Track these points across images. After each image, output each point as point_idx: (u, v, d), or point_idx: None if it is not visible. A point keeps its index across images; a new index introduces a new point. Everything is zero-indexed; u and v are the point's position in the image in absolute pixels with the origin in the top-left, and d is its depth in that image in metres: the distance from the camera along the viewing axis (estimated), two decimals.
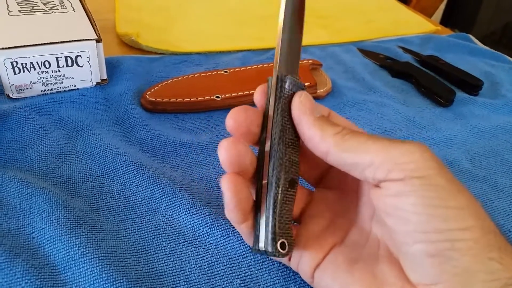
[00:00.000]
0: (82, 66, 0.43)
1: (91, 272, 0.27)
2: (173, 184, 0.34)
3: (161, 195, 0.34)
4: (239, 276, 0.29)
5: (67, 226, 0.30)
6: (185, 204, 0.33)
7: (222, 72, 0.49)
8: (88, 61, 0.43)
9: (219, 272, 0.29)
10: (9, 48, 0.39)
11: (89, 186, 0.35)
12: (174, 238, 0.31)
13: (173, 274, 0.29)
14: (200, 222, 0.32)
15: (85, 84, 0.45)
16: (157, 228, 0.32)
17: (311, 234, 0.28)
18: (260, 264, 0.30)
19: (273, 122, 0.27)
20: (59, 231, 0.30)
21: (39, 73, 0.42)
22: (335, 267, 0.26)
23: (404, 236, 0.23)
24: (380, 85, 0.53)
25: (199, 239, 0.31)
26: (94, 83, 0.45)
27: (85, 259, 0.28)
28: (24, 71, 0.41)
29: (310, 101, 0.27)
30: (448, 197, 0.22)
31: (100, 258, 0.28)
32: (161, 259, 0.30)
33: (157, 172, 0.35)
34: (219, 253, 0.30)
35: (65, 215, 0.31)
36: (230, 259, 0.30)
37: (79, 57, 0.42)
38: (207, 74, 0.48)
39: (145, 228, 0.32)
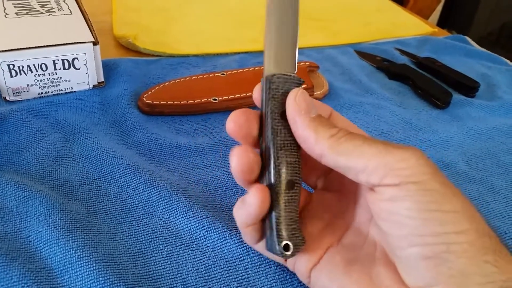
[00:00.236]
0: (79, 69, 0.43)
1: (88, 276, 0.27)
2: (170, 187, 0.34)
3: (158, 198, 0.34)
4: (236, 279, 0.29)
5: (63, 229, 0.30)
6: (182, 207, 0.33)
7: (219, 74, 0.49)
8: (85, 64, 0.43)
9: (216, 275, 0.29)
10: (5, 51, 0.39)
11: (86, 189, 0.35)
12: (171, 241, 0.31)
13: (170, 277, 0.29)
14: (197, 225, 0.32)
15: (82, 86, 0.45)
16: (154, 231, 0.32)
17: (308, 235, 0.28)
18: (257, 267, 0.30)
19: (265, 124, 0.27)
20: (55, 235, 0.30)
21: (36, 75, 0.42)
22: (332, 268, 0.26)
23: (399, 240, 0.23)
24: (377, 87, 0.53)
25: (196, 242, 0.31)
26: (91, 86, 0.45)
27: (82, 262, 0.28)
28: (21, 74, 0.41)
29: (306, 99, 0.26)
30: (443, 201, 0.22)
31: (97, 261, 0.28)
32: (158, 262, 0.30)
33: (154, 175, 0.35)
34: (216, 256, 0.30)
35: (61, 218, 0.31)
36: (227, 262, 0.30)
37: (76, 60, 0.42)
38: (204, 76, 0.48)
39: (142, 231, 0.32)
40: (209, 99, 0.45)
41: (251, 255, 0.30)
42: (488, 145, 0.45)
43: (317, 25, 0.69)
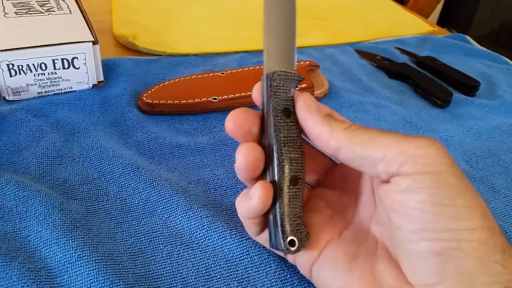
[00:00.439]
0: (78, 68, 0.43)
1: (87, 275, 0.27)
2: (170, 186, 0.34)
3: (157, 197, 0.34)
4: (236, 279, 0.29)
5: (63, 229, 0.30)
6: (182, 206, 0.33)
7: (219, 73, 0.49)
8: (85, 63, 0.43)
9: (216, 274, 0.29)
10: (5, 50, 0.39)
11: (86, 188, 0.35)
12: (171, 240, 0.31)
13: (170, 277, 0.29)
14: (197, 224, 0.32)
15: (82, 86, 0.45)
16: (154, 231, 0.32)
17: (308, 228, 0.28)
18: (257, 266, 0.30)
19: (267, 122, 0.27)
20: (55, 234, 0.30)
21: (35, 75, 0.42)
22: (334, 263, 0.26)
23: (409, 234, 0.23)
24: (377, 86, 0.53)
25: (196, 242, 0.31)
26: (91, 85, 0.45)
27: (81, 262, 0.28)
28: (20, 73, 0.41)
29: (314, 101, 0.26)
30: (458, 196, 0.22)
31: (96, 261, 0.28)
32: (158, 262, 0.30)
33: (154, 175, 0.35)
34: (216, 256, 0.30)
35: (61, 218, 0.31)
36: (227, 262, 0.30)
37: (75, 59, 0.42)
38: (204, 75, 0.48)
39: (142, 231, 0.32)
40: (209, 99, 0.45)
41: (251, 254, 0.30)
42: (488, 144, 0.45)
43: (317, 24, 0.69)
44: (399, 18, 0.76)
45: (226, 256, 0.30)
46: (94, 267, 0.28)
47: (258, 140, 0.28)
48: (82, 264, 0.28)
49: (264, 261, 0.30)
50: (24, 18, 0.45)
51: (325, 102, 0.49)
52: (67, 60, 0.42)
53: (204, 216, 0.32)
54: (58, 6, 0.48)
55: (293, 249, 0.26)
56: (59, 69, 0.42)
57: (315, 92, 0.49)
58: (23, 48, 0.40)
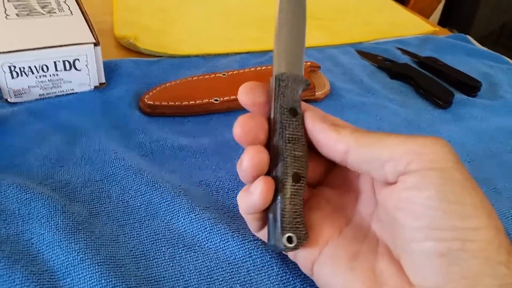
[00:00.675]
0: (80, 70, 0.43)
1: (90, 278, 0.27)
2: (172, 188, 0.34)
3: (160, 199, 0.34)
4: (239, 281, 0.29)
5: (66, 231, 0.30)
6: (184, 208, 0.33)
7: (221, 74, 0.49)
8: (86, 65, 0.43)
9: (219, 277, 0.29)
10: (6, 52, 0.39)
11: (88, 191, 0.35)
12: (173, 243, 0.31)
13: (173, 279, 0.29)
14: (199, 226, 0.32)
15: (83, 88, 0.45)
16: (156, 233, 0.32)
17: (309, 225, 0.28)
18: (260, 269, 0.30)
19: (273, 121, 0.27)
20: (58, 237, 0.30)
21: (37, 77, 0.42)
22: (335, 262, 0.26)
23: (413, 232, 0.23)
24: (378, 87, 0.53)
25: (198, 244, 0.31)
26: (92, 87, 0.45)
27: (84, 264, 0.28)
28: (22, 75, 0.41)
29: (319, 112, 0.28)
30: (464, 193, 0.22)
31: (99, 263, 0.28)
32: (160, 265, 0.30)
33: (156, 177, 0.35)
34: (218, 258, 0.30)
35: (64, 220, 0.31)
36: (230, 264, 0.30)
37: (77, 61, 0.42)
38: (206, 77, 0.48)
39: (144, 233, 0.32)
40: (210, 100, 0.45)
41: (254, 256, 0.30)
42: (490, 145, 0.45)
43: (318, 25, 0.68)
44: (400, 18, 0.76)
45: (228, 259, 0.30)
46: (96, 270, 0.28)
47: (264, 144, 0.28)
48: (84, 267, 0.28)
49: (267, 264, 0.30)
50: (25, 20, 0.45)
51: (327, 103, 0.49)
52: (69, 62, 0.42)
53: (206, 218, 0.32)
54: (59, 8, 0.48)
55: (290, 246, 0.26)
56: (61, 71, 0.42)
57: (316, 93, 0.49)
58: (24, 50, 0.40)
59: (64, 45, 0.41)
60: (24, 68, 0.40)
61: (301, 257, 0.28)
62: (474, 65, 0.61)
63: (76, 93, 0.45)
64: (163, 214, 0.33)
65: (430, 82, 0.53)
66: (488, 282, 0.21)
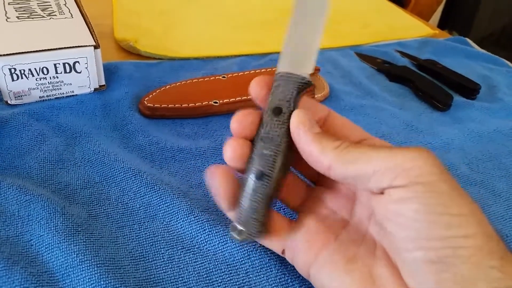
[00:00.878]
0: (80, 72, 0.43)
1: (89, 280, 0.27)
2: (171, 190, 0.35)
3: (159, 201, 0.34)
4: (237, 283, 0.29)
5: (65, 233, 0.30)
6: (183, 210, 0.33)
7: (220, 77, 0.49)
8: (86, 67, 0.43)
9: (217, 279, 0.29)
10: (7, 54, 0.39)
11: (87, 192, 0.35)
12: (172, 244, 0.31)
13: (171, 281, 0.29)
14: (198, 228, 0.32)
15: (83, 90, 0.45)
16: (155, 235, 0.32)
17: (306, 229, 0.28)
18: (258, 271, 0.30)
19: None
20: (57, 238, 0.30)
21: (37, 79, 0.42)
22: (332, 266, 0.26)
23: (404, 243, 0.23)
24: (377, 90, 0.53)
25: (197, 246, 0.31)
26: (92, 89, 0.45)
27: (83, 266, 0.28)
28: (22, 78, 0.41)
29: (308, 118, 0.27)
30: (451, 204, 0.22)
31: (98, 265, 0.28)
32: (159, 266, 0.30)
33: (155, 179, 0.36)
34: (217, 260, 0.30)
35: (63, 222, 0.31)
36: (228, 266, 0.30)
37: (77, 63, 0.43)
38: (205, 79, 0.48)
39: (143, 235, 0.32)
40: (210, 102, 0.45)
41: (252, 258, 0.30)
42: (489, 147, 0.45)
43: None
44: (400, 21, 0.76)
45: (227, 260, 0.30)
46: (96, 272, 0.28)
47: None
48: (84, 268, 0.28)
49: (265, 265, 0.30)
50: (26, 22, 0.45)
51: (326, 106, 0.49)
52: (69, 65, 0.42)
53: (205, 220, 0.32)
54: (60, 11, 0.48)
55: (238, 238, 0.27)
56: (61, 73, 0.42)
57: (315, 96, 0.49)
58: (25, 52, 0.40)
59: (64, 48, 0.41)
60: (24, 70, 0.41)
61: (298, 261, 0.28)
62: (473, 67, 0.61)
63: (76, 95, 0.45)
64: (162, 216, 0.33)
65: (429, 85, 0.54)
66: (482, 285, 0.21)
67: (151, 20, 0.65)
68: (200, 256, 0.31)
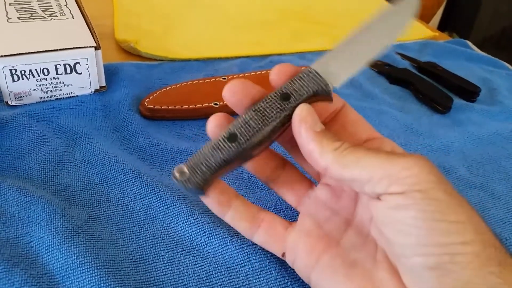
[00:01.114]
0: (80, 73, 0.43)
1: (89, 282, 0.27)
2: (171, 192, 0.35)
3: (159, 203, 0.34)
4: (237, 286, 0.29)
5: (65, 235, 0.30)
6: (183, 212, 0.33)
7: (221, 78, 0.49)
8: (87, 68, 0.43)
9: (217, 281, 0.29)
10: (8, 55, 0.39)
11: (88, 194, 0.35)
12: (172, 247, 0.31)
13: (171, 283, 0.29)
14: (198, 230, 0.32)
15: (84, 91, 0.45)
16: (155, 237, 0.32)
17: (307, 233, 0.28)
18: (258, 274, 0.30)
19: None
20: (57, 240, 0.30)
21: (37, 80, 0.42)
22: (332, 271, 0.26)
23: (403, 249, 0.23)
24: (377, 92, 0.53)
25: (197, 248, 0.31)
26: (93, 90, 0.45)
27: (83, 268, 0.28)
28: (22, 79, 0.41)
29: (311, 114, 0.26)
30: (448, 211, 0.22)
31: (98, 267, 0.28)
32: (159, 268, 0.30)
33: (155, 180, 0.36)
34: (217, 262, 0.30)
35: (63, 223, 0.31)
36: (228, 269, 0.30)
37: (77, 65, 0.43)
38: (206, 81, 0.48)
39: (143, 237, 0.32)
40: (210, 104, 0.45)
41: (252, 261, 0.30)
42: (489, 150, 0.45)
43: (317, 29, 0.69)
44: None
45: (227, 263, 0.30)
46: (96, 274, 0.28)
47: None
48: (84, 270, 0.28)
49: (265, 268, 0.30)
50: (26, 23, 0.45)
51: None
52: (70, 66, 0.42)
53: (205, 223, 0.32)
54: (61, 11, 0.48)
55: (176, 177, 0.27)
56: (62, 74, 0.42)
57: None
58: (25, 53, 0.40)
59: (65, 49, 0.41)
60: (25, 71, 0.41)
61: (299, 264, 0.28)
62: (473, 70, 0.61)
63: (77, 96, 0.45)
64: (162, 218, 0.33)
65: (429, 87, 0.54)
66: None
67: (151, 21, 0.65)
68: (200, 259, 0.31)
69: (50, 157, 0.37)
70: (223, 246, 0.31)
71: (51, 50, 0.41)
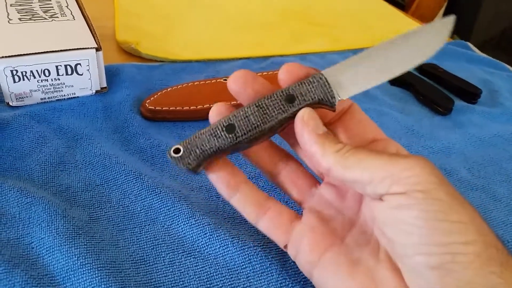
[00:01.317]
0: (81, 75, 0.43)
1: (90, 283, 0.27)
2: (172, 193, 0.34)
3: (160, 204, 0.34)
4: (238, 287, 0.29)
5: (66, 236, 0.30)
6: (184, 213, 0.33)
7: (222, 80, 0.49)
8: (88, 70, 0.43)
9: (218, 283, 0.29)
10: (9, 56, 0.39)
11: (88, 195, 0.35)
12: (173, 248, 0.31)
13: (172, 285, 0.29)
14: (199, 232, 0.32)
15: (85, 92, 0.45)
16: (156, 238, 0.32)
17: (311, 229, 0.28)
18: (259, 275, 0.30)
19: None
20: (58, 241, 0.30)
21: (38, 81, 0.42)
22: (335, 268, 0.26)
23: (405, 248, 0.23)
24: (378, 94, 0.53)
25: (198, 250, 0.31)
26: (94, 91, 0.45)
27: (84, 269, 0.28)
28: (24, 79, 0.41)
29: (313, 118, 0.27)
30: (451, 211, 0.22)
31: (99, 268, 0.28)
32: (160, 270, 0.30)
33: (156, 182, 0.36)
34: (218, 264, 0.30)
35: (64, 224, 0.31)
36: (229, 270, 0.30)
37: (78, 66, 0.43)
38: (207, 82, 0.48)
39: (144, 238, 0.32)
40: (211, 105, 0.44)
41: (253, 263, 0.30)
42: (490, 152, 0.45)
43: (319, 31, 0.69)
44: (401, 24, 0.76)
45: (228, 265, 0.30)
46: (96, 275, 0.28)
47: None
48: (84, 272, 0.28)
49: (266, 270, 0.30)
50: (28, 24, 0.45)
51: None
52: (71, 67, 0.42)
53: (206, 224, 0.32)
54: (62, 12, 0.48)
55: (172, 154, 0.27)
56: (63, 75, 0.42)
57: None
58: (26, 54, 0.40)
59: (66, 50, 0.41)
60: (26, 72, 0.41)
61: (301, 259, 0.28)
62: (474, 72, 0.61)
63: (78, 97, 0.45)
64: (163, 219, 0.33)
65: (430, 89, 0.54)
66: None
67: (152, 23, 0.65)
68: (201, 260, 0.31)
69: (51, 158, 0.37)
70: (224, 248, 0.31)
71: (52, 51, 0.41)
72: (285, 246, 0.29)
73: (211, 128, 0.27)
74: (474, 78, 0.58)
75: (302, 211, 0.30)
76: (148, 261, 0.30)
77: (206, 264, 0.30)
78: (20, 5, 0.49)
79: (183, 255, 0.31)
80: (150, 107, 0.44)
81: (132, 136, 0.41)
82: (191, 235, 0.32)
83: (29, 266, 0.28)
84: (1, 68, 0.39)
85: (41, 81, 0.42)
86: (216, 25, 0.67)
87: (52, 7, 0.49)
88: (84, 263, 0.28)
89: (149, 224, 0.33)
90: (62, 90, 0.43)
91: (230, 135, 0.27)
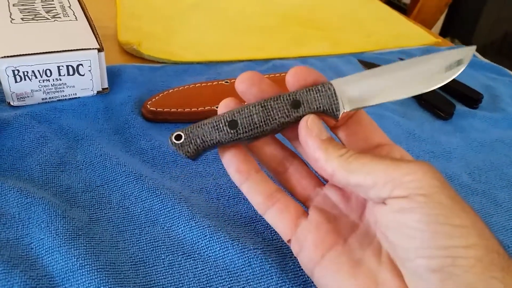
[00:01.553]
0: (83, 75, 0.43)
1: (89, 284, 0.27)
2: (172, 195, 0.34)
3: (160, 206, 0.34)
4: None
5: (65, 237, 0.30)
6: (184, 215, 0.33)
7: (223, 82, 0.49)
8: (90, 70, 0.43)
9: (218, 286, 0.29)
10: (11, 56, 0.39)
11: (89, 196, 0.35)
12: (172, 250, 0.31)
13: (172, 287, 0.29)
14: (199, 234, 0.32)
15: (86, 92, 0.45)
16: (155, 240, 0.32)
17: (316, 227, 0.28)
18: (259, 278, 0.30)
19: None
20: (57, 242, 0.30)
21: (40, 81, 0.42)
22: (337, 268, 0.26)
23: (407, 252, 0.23)
24: None
25: (197, 252, 0.31)
26: (95, 92, 0.45)
27: (83, 270, 0.28)
28: (25, 79, 0.41)
29: (317, 124, 0.27)
30: (452, 215, 0.22)
31: (98, 270, 0.28)
32: (159, 272, 0.30)
33: (157, 183, 0.35)
34: (218, 266, 0.30)
35: (64, 225, 0.31)
36: (229, 273, 0.30)
37: (80, 66, 0.43)
38: (208, 84, 0.48)
39: (144, 240, 0.32)
40: (212, 107, 0.45)
41: (253, 265, 0.30)
42: (491, 157, 0.45)
43: (320, 34, 0.69)
44: (403, 29, 0.76)
45: (227, 267, 0.30)
46: (96, 276, 0.28)
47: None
48: (84, 273, 0.28)
49: (266, 273, 0.30)
50: (30, 24, 0.45)
51: None
52: (72, 67, 0.42)
53: (206, 226, 0.32)
54: (64, 13, 0.48)
55: (173, 140, 0.28)
56: (64, 75, 0.42)
57: None
58: (28, 54, 0.40)
59: (68, 50, 0.41)
60: (27, 72, 0.41)
61: (304, 257, 0.28)
62: (476, 77, 0.61)
63: (79, 98, 0.45)
64: (163, 221, 0.33)
65: (431, 94, 0.53)
66: None
67: (154, 24, 0.65)
68: (201, 262, 0.30)
69: (52, 159, 0.37)
70: (224, 250, 0.31)
71: (54, 52, 0.41)
72: (289, 241, 0.29)
73: (214, 120, 0.28)
74: (476, 83, 0.58)
75: (308, 209, 0.30)
76: (147, 263, 0.30)
77: (206, 266, 0.30)
78: (22, 5, 0.49)
79: (182, 257, 0.31)
80: (151, 108, 0.44)
81: (133, 137, 0.41)
82: (191, 237, 0.32)
83: (28, 267, 0.28)
84: (2, 67, 0.39)
85: (43, 81, 0.42)
86: (218, 27, 0.67)
87: (55, 7, 0.49)
88: (83, 264, 0.28)
89: (149, 226, 0.33)
90: (63, 91, 0.43)
91: (232, 131, 0.28)
